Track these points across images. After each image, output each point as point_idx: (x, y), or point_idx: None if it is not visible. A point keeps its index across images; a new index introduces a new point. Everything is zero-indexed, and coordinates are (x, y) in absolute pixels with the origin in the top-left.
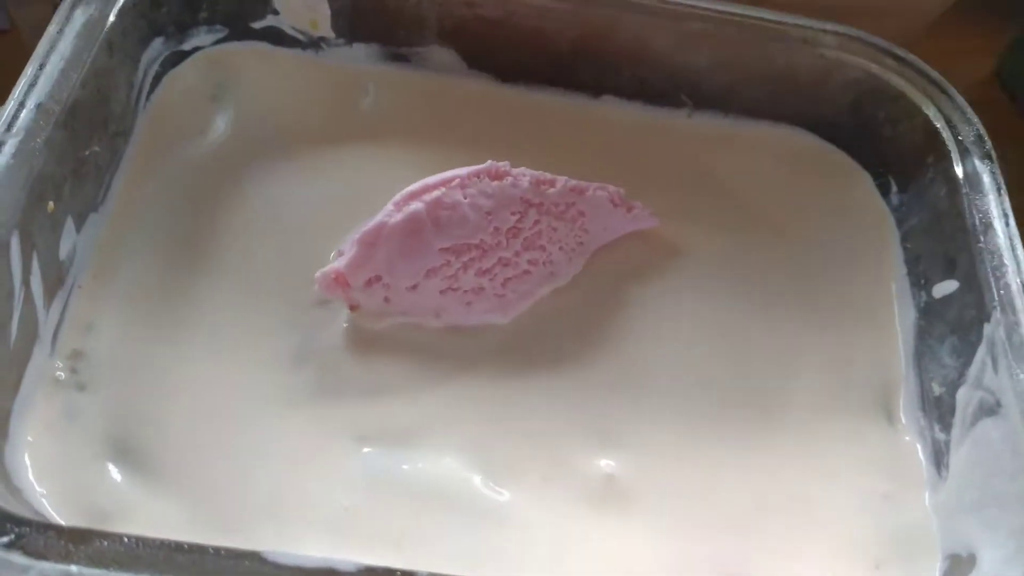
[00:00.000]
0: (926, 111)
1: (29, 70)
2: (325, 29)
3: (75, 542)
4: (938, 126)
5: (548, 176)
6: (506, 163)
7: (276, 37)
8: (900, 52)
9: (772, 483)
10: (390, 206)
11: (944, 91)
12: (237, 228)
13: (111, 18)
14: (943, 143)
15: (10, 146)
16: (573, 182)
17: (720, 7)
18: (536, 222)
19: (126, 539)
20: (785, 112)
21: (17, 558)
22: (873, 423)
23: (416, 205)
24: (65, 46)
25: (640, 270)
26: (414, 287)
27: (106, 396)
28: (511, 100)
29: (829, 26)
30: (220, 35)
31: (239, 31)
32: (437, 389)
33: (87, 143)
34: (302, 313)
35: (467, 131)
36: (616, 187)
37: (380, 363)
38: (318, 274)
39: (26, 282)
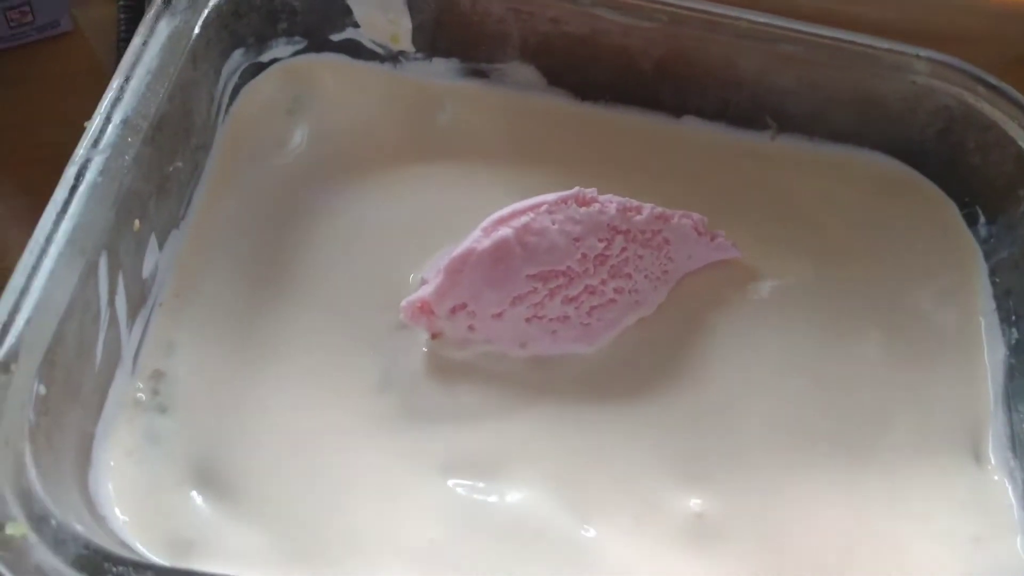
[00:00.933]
0: (1019, 142)
1: (114, 83)
2: (406, 43)
3: None
4: None
5: (634, 203)
6: (593, 189)
7: (354, 50)
8: (993, 80)
9: (860, 524)
10: (478, 232)
11: None
12: (315, 246)
13: (196, 29)
14: None
15: (97, 163)
16: (659, 209)
17: (812, 29)
18: (623, 249)
19: None
20: (871, 137)
21: None
22: (961, 463)
23: (505, 231)
24: (150, 59)
25: (724, 299)
26: (499, 315)
27: (187, 419)
28: (591, 118)
29: (921, 52)
30: (299, 47)
31: (318, 43)
32: (521, 420)
33: (171, 158)
34: (384, 336)
35: (545, 149)
36: (700, 215)
37: (463, 391)
38: (404, 303)
39: (111, 303)
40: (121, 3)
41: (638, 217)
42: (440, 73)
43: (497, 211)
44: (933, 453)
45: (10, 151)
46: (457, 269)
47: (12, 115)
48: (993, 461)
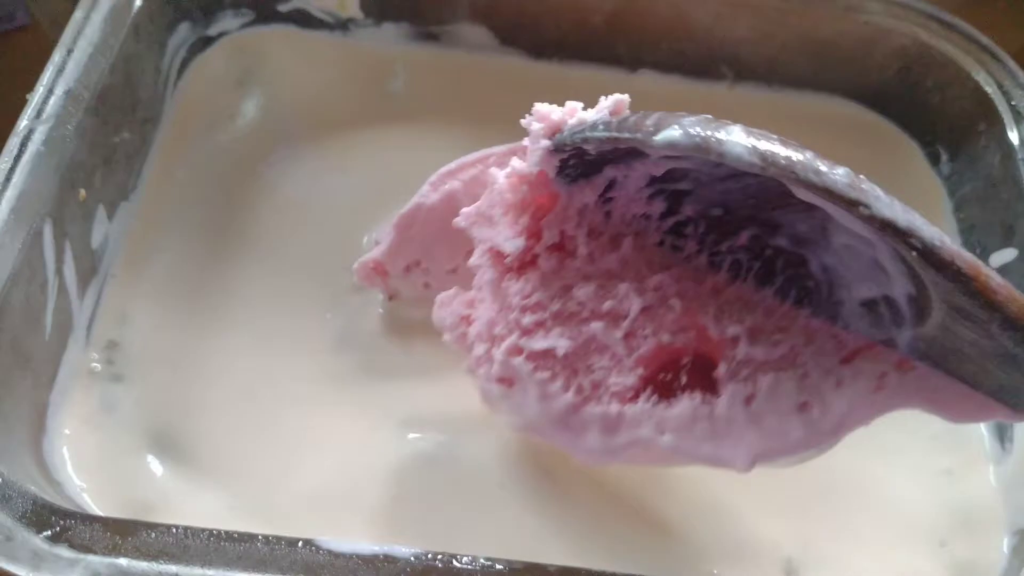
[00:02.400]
0: (976, 77)
1: (56, 56)
2: (353, 9)
3: (122, 534)
4: (989, 91)
5: None
6: None
7: (303, 19)
8: (947, 17)
9: (832, 462)
10: (426, 187)
11: (994, 56)
12: (269, 214)
13: (137, 2)
14: (995, 109)
15: (40, 133)
16: None
17: None
18: None
19: (174, 529)
20: (829, 82)
21: (64, 551)
22: None
23: (453, 184)
24: (92, 31)
25: None
26: (454, 270)
27: (143, 387)
28: (545, 76)
29: None
30: (247, 19)
31: (266, 14)
32: None
33: (117, 130)
34: (340, 299)
35: (500, 109)
36: None
37: (421, 348)
38: (356, 264)
39: (59, 272)
40: None
41: None
42: (391, 38)
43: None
44: None
45: None
46: (407, 225)
47: None
48: None
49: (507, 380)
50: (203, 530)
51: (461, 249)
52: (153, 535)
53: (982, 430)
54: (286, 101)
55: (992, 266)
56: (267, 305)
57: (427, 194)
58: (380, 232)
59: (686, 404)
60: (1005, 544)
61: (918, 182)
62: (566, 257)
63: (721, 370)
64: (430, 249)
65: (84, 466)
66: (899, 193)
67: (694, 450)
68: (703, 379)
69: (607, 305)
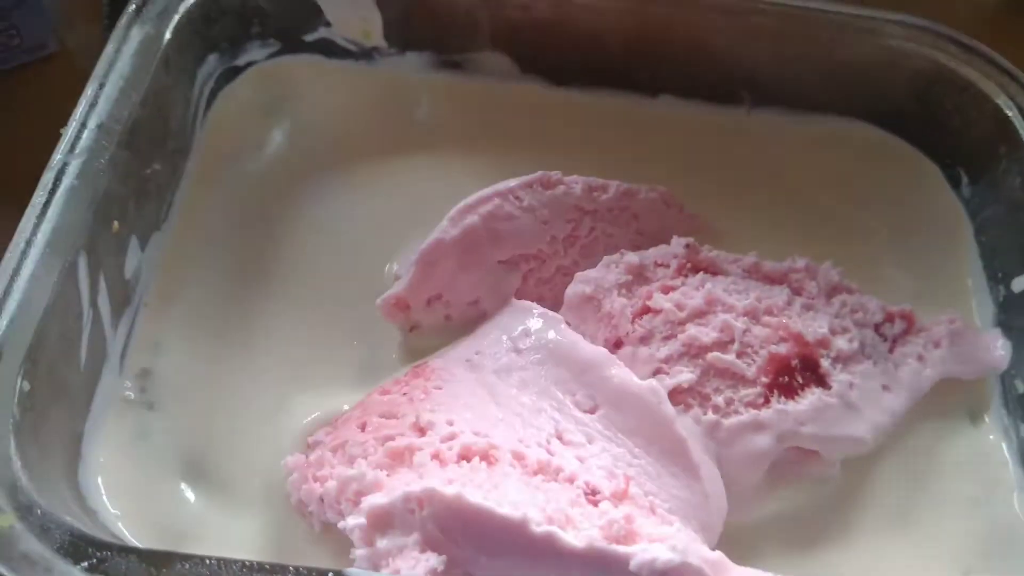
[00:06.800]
0: (996, 100)
1: (89, 90)
2: (378, 39)
3: (157, 565)
4: (1010, 115)
5: (600, 181)
6: (557, 172)
7: (329, 49)
8: (967, 40)
9: (856, 490)
10: (445, 222)
11: (1015, 79)
12: (296, 243)
13: (167, 35)
14: (1016, 132)
15: (74, 167)
16: (625, 186)
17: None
18: (592, 229)
19: (208, 560)
20: (849, 105)
21: None
22: (956, 423)
23: (471, 219)
24: (123, 65)
25: None
26: (475, 302)
27: (176, 415)
28: (566, 103)
29: (893, 15)
30: (273, 49)
31: (292, 44)
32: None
33: (148, 161)
34: (362, 327)
35: (523, 136)
36: (665, 188)
37: None
38: (379, 301)
39: (94, 303)
40: (106, 23)
41: (604, 196)
42: (414, 67)
43: (463, 199)
44: (928, 414)
45: (2, 169)
46: (428, 261)
47: (3, 135)
48: (988, 420)
49: None
50: (236, 561)
51: (482, 282)
52: (188, 566)
53: (1007, 456)
54: (312, 130)
55: (1014, 291)
56: (294, 333)
57: (447, 229)
58: (402, 265)
59: (810, 398)
60: None
61: (939, 204)
62: (655, 315)
63: (825, 366)
64: (451, 282)
65: (118, 494)
66: (920, 215)
67: (829, 433)
68: (812, 376)
69: (711, 336)
